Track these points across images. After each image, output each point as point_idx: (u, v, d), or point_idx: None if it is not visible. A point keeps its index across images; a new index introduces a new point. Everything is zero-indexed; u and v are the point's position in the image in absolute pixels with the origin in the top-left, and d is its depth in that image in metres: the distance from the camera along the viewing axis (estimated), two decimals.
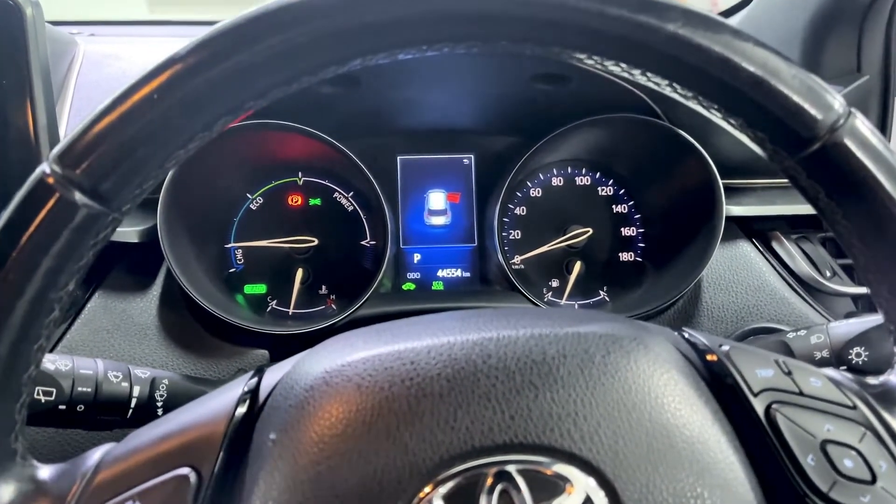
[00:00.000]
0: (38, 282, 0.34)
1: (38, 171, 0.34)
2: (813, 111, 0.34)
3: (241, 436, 0.37)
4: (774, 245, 0.91)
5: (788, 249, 0.90)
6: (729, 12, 1.29)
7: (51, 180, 0.33)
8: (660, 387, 0.36)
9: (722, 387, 0.38)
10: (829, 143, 0.35)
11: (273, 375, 0.41)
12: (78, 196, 0.33)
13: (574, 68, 0.82)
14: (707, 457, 0.34)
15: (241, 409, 0.38)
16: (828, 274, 0.88)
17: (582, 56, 0.36)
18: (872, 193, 0.35)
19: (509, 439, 0.33)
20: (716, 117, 0.38)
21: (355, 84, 0.84)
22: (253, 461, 0.36)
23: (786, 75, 0.34)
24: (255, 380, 0.41)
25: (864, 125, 0.35)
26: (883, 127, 1.16)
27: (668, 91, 0.37)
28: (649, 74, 0.36)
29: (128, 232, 0.80)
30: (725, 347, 0.40)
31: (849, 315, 0.89)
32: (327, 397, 0.36)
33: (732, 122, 0.37)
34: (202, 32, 0.33)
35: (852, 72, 1.11)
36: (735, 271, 0.90)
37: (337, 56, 0.35)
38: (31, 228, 0.33)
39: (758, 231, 0.92)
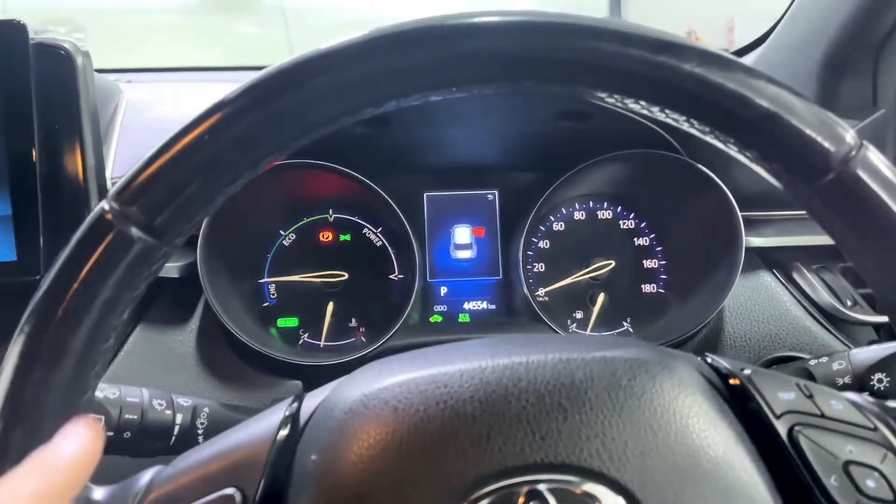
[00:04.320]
0: (97, 311, 0.35)
1: (97, 207, 0.36)
2: (826, 143, 0.35)
3: (283, 457, 0.38)
4: (795, 275, 0.91)
5: (809, 279, 0.91)
6: (744, 51, 1.32)
7: (109, 216, 0.35)
8: (685, 408, 0.37)
9: (745, 409, 0.39)
10: (843, 173, 0.35)
11: (312, 400, 0.42)
12: (134, 231, 0.35)
13: (595, 105, 0.84)
14: (732, 476, 0.35)
15: (284, 432, 0.39)
16: (849, 303, 0.88)
17: (604, 95, 0.38)
18: (886, 222, 0.36)
19: (540, 459, 0.34)
20: (732, 151, 0.39)
21: (387, 124, 0.87)
22: (296, 481, 0.37)
23: (798, 109, 0.35)
24: (295, 405, 0.42)
25: (876, 156, 0.36)
26: None
27: (685, 126, 0.38)
28: (668, 111, 0.38)
29: (169, 268, 0.83)
30: (748, 371, 0.41)
31: (871, 343, 0.89)
32: (365, 419, 0.37)
33: (748, 155, 0.38)
34: (236, 76, 0.35)
35: (868, 105, 1.13)
36: (756, 301, 0.91)
37: (374, 98, 0.37)
38: (92, 261, 0.35)
39: (778, 262, 0.93)
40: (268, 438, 0.39)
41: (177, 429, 0.65)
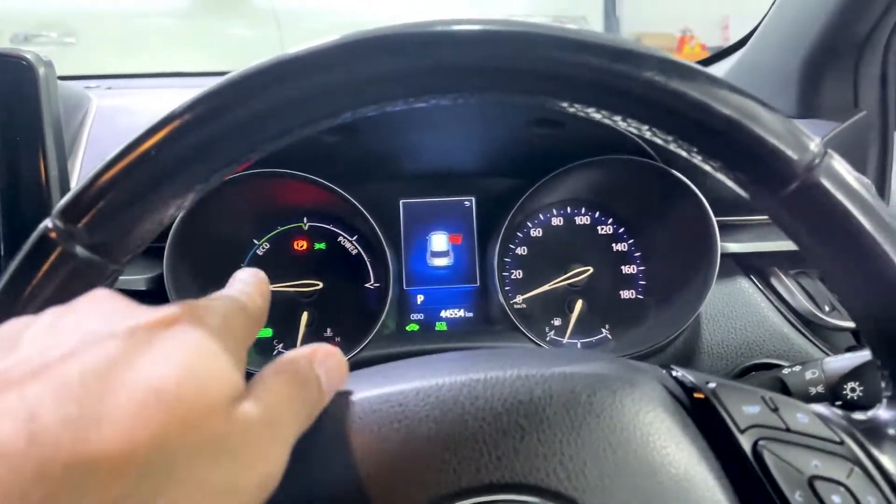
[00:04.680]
0: None
1: (41, 226, 0.35)
2: (789, 152, 0.35)
3: None
4: (773, 281, 0.91)
5: (787, 285, 0.90)
6: (725, 53, 1.31)
7: (53, 235, 0.35)
8: (645, 425, 0.36)
9: (709, 424, 0.38)
10: (807, 182, 0.35)
11: None
12: (79, 249, 0.35)
13: (567, 113, 0.83)
14: (693, 494, 0.34)
15: None
16: (827, 309, 0.87)
17: (565, 104, 0.37)
18: (850, 230, 0.36)
19: (496, 479, 0.34)
20: (696, 160, 0.38)
21: (356, 132, 0.87)
22: None
23: (762, 118, 0.35)
24: None
25: (840, 164, 0.36)
26: (883, 161, 1.16)
27: (648, 135, 0.38)
28: (630, 121, 0.37)
29: (136, 280, 0.81)
30: (712, 385, 0.40)
31: (850, 349, 0.88)
32: (317, 441, 0.36)
33: (713, 164, 0.38)
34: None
35: (850, 107, 1.12)
36: (734, 307, 0.90)
37: (328, 109, 0.36)
38: (35, 280, 0.34)
39: (756, 267, 0.92)
40: None
41: None
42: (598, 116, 0.38)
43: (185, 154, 0.35)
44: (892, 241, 0.36)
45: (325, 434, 0.37)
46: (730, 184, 0.39)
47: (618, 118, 0.37)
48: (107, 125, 0.91)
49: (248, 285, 0.39)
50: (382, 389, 0.39)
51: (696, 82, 0.35)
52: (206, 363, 0.29)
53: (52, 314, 0.30)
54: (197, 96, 0.35)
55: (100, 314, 0.30)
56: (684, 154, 0.38)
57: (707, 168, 0.39)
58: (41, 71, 0.77)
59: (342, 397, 0.39)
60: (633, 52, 0.35)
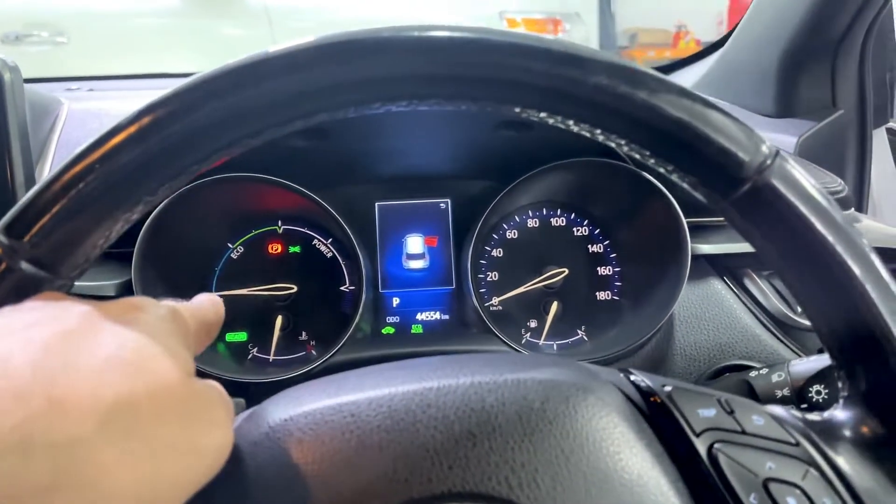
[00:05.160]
0: None
1: None
2: (740, 154, 0.35)
3: None
4: (746, 282, 0.91)
5: (760, 286, 0.90)
6: (702, 54, 1.31)
7: None
8: (598, 431, 0.36)
9: (665, 428, 0.38)
10: (759, 184, 0.35)
11: None
12: (25, 265, 0.34)
13: None
14: (647, 499, 0.34)
15: None
16: (798, 310, 0.88)
17: (516, 110, 0.37)
18: (803, 232, 0.36)
19: (447, 489, 0.33)
20: (650, 164, 0.38)
21: (324, 137, 0.86)
22: None
23: (712, 119, 0.35)
24: None
25: (791, 166, 0.36)
26: (862, 160, 1.16)
27: (601, 139, 0.38)
28: (581, 125, 0.37)
29: (105, 286, 0.81)
30: (668, 388, 0.40)
31: (821, 351, 0.88)
32: (269, 452, 0.36)
33: (666, 168, 0.38)
34: None
35: (828, 106, 1.12)
36: (707, 309, 0.90)
37: (277, 119, 0.35)
38: None
39: (729, 269, 0.92)
40: None
41: None
42: (551, 121, 0.37)
43: (130, 166, 0.34)
44: (844, 243, 0.36)
45: (276, 445, 0.37)
46: (685, 186, 0.39)
47: (570, 122, 0.37)
48: (77, 129, 0.90)
49: (202, 301, 0.43)
50: (335, 400, 0.38)
51: (644, 85, 0.35)
52: (162, 340, 0.32)
53: (8, 309, 0.32)
54: (142, 107, 0.34)
55: (55, 304, 0.32)
56: (638, 158, 0.38)
57: (662, 172, 0.38)
58: (6, 76, 0.76)
59: (296, 408, 0.39)
60: (579, 57, 0.35)
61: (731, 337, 0.88)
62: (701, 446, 0.37)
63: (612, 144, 0.38)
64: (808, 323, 0.85)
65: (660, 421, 0.39)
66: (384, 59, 0.35)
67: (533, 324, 0.99)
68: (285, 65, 0.35)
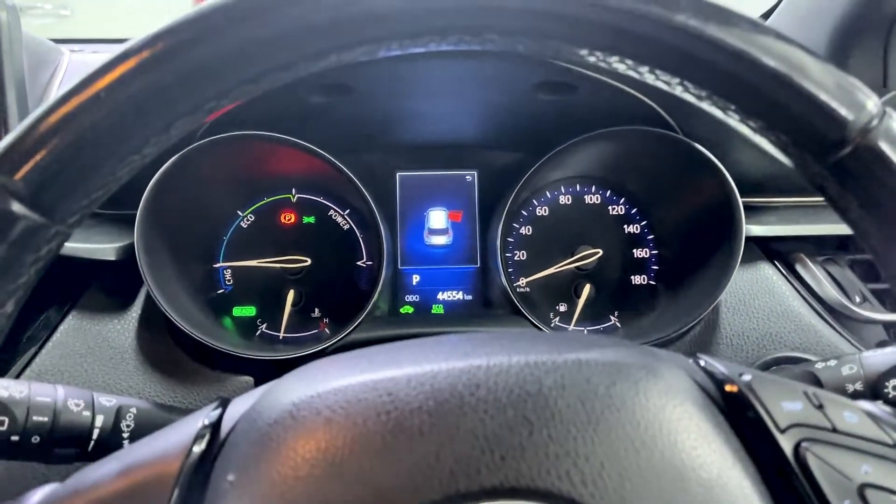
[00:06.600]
0: None
1: None
2: (843, 111, 0.32)
3: (198, 476, 0.34)
4: (798, 268, 0.86)
5: (814, 272, 0.85)
6: None
7: None
8: (672, 422, 0.33)
9: (743, 422, 0.35)
10: (862, 146, 0.32)
11: (238, 407, 0.38)
12: (16, 206, 0.31)
13: (581, 76, 0.78)
14: (727, 502, 0.31)
15: (199, 447, 0.35)
16: (857, 299, 0.83)
17: (582, 52, 0.34)
18: None
19: (499, 483, 0.30)
20: (733, 120, 0.34)
21: (347, 92, 0.81)
22: None
23: (812, 71, 0.32)
24: (217, 412, 0.37)
25: None
26: None
27: (678, 91, 0.34)
28: (658, 72, 0.34)
29: (105, 249, 0.77)
30: (747, 377, 0.37)
31: (881, 344, 0.84)
32: (293, 433, 0.33)
33: (751, 125, 0.34)
34: None
35: (878, 87, 1.08)
36: (756, 296, 0.86)
37: (308, 51, 0.32)
38: None
39: (780, 252, 0.88)
40: (180, 453, 0.34)
41: (96, 432, 0.58)
42: (621, 67, 0.34)
43: (141, 97, 0.31)
44: None
45: (301, 426, 0.33)
46: (770, 149, 0.34)
47: (644, 69, 0.34)
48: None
49: None
50: (370, 375, 0.35)
51: (738, 28, 0.32)
52: None
53: None
54: (157, 30, 0.31)
55: None
56: (719, 113, 0.35)
57: (745, 130, 0.35)
58: (3, 17, 0.70)
59: (324, 383, 0.35)
60: None
61: (783, 326, 0.83)
62: (786, 444, 0.33)
63: (690, 97, 0.34)
64: (868, 315, 0.81)
65: (737, 413, 0.35)
66: None
67: (563, 307, 0.95)
68: None
